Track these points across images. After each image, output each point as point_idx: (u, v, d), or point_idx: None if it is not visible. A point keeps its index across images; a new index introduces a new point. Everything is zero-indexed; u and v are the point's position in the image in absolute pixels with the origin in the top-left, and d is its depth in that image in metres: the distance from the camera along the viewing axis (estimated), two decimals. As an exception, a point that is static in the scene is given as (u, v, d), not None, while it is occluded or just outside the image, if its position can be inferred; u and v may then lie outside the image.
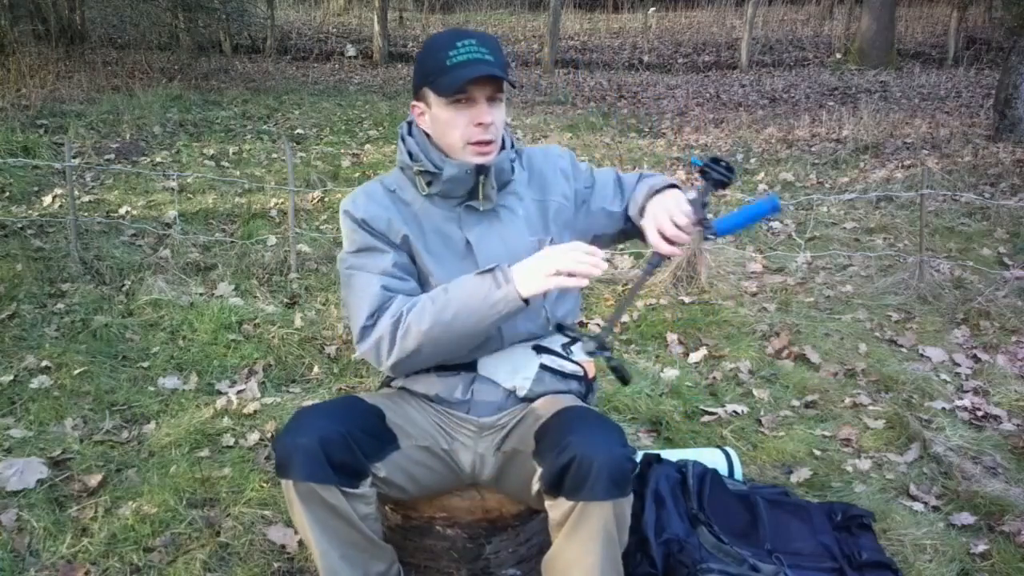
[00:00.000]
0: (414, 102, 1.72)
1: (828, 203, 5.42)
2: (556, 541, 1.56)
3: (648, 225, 1.65)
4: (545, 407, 1.69)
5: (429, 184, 1.70)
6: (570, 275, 1.50)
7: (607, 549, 1.51)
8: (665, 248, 1.61)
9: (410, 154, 1.71)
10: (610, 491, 1.46)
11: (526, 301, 1.56)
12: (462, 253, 1.72)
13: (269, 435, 2.66)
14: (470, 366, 1.75)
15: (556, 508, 1.54)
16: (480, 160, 1.66)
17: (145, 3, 10.41)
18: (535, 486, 1.60)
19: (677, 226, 1.60)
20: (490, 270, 1.59)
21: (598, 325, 3.57)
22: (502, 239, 1.72)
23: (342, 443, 1.52)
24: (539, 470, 1.55)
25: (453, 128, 1.64)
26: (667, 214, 1.61)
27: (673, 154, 6.85)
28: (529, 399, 1.75)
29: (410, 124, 1.76)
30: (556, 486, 1.51)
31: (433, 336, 1.60)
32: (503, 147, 1.73)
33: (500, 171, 1.72)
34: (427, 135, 1.71)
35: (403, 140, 1.74)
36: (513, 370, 1.75)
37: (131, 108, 7.39)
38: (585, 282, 1.52)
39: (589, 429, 1.53)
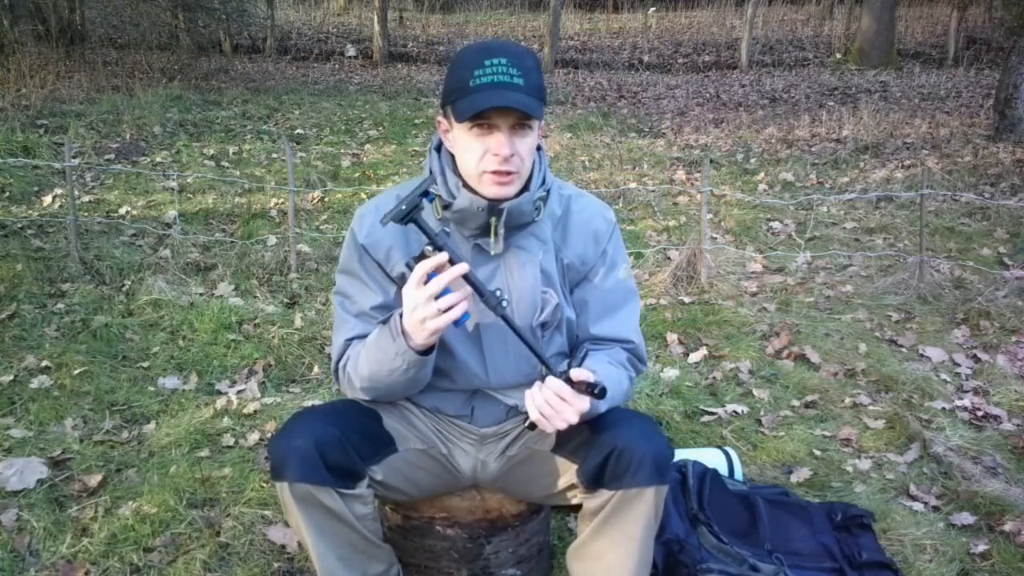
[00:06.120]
0: (439, 118, 1.62)
1: (828, 203, 5.42)
2: (588, 529, 1.59)
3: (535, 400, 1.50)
4: None
5: (445, 208, 1.60)
6: (447, 310, 1.42)
7: (647, 533, 1.55)
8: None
9: (431, 172, 1.63)
10: (653, 477, 1.50)
11: (424, 352, 1.51)
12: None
13: (269, 435, 2.66)
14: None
15: (593, 499, 1.56)
16: (496, 192, 1.54)
17: (145, 3, 10.39)
18: (564, 482, 1.61)
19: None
20: (385, 321, 1.57)
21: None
22: (508, 287, 1.62)
23: (338, 445, 1.52)
24: (576, 466, 1.58)
25: (470, 155, 1.53)
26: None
27: (673, 154, 6.85)
28: None
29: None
30: (596, 478, 1.54)
31: (368, 387, 1.60)
32: (528, 183, 1.60)
33: (518, 214, 1.58)
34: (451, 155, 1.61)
35: (430, 154, 1.64)
36: (515, 388, 1.71)
37: (131, 108, 7.39)
38: (464, 306, 1.43)
39: (625, 422, 1.56)
